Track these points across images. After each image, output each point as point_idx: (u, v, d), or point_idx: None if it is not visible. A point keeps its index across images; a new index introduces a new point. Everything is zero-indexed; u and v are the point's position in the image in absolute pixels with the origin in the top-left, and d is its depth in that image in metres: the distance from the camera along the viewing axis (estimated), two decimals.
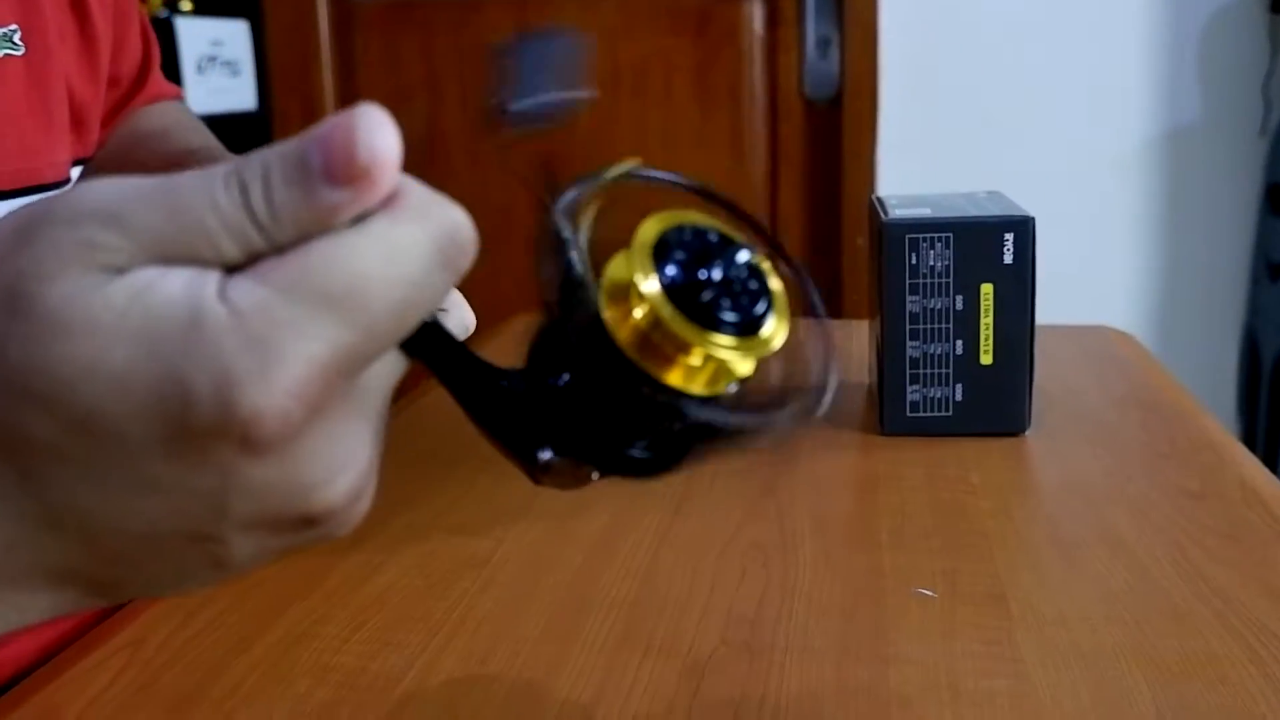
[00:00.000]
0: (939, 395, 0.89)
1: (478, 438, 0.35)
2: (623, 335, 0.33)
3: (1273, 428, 2.28)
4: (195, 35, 2.41)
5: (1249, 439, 2.32)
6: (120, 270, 0.29)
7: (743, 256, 0.34)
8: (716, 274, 0.33)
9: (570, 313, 0.33)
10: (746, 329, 0.33)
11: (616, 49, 2.46)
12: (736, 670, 0.57)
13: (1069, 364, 1.08)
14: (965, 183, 1.11)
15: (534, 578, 0.68)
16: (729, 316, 0.33)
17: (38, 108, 0.72)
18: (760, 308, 0.33)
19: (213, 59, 2.46)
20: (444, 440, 0.89)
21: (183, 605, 0.65)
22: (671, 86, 2.47)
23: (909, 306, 0.87)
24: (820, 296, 0.37)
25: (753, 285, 0.34)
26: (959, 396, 0.89)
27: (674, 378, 0.33)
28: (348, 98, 2.52)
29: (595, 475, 0.35)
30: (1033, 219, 0.86)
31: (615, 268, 0.34)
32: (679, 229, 0.34)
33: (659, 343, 0.32)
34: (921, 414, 0.89)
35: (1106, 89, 2.37)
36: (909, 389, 0.89)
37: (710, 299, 0.33)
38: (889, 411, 0.90)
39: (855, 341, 1.07)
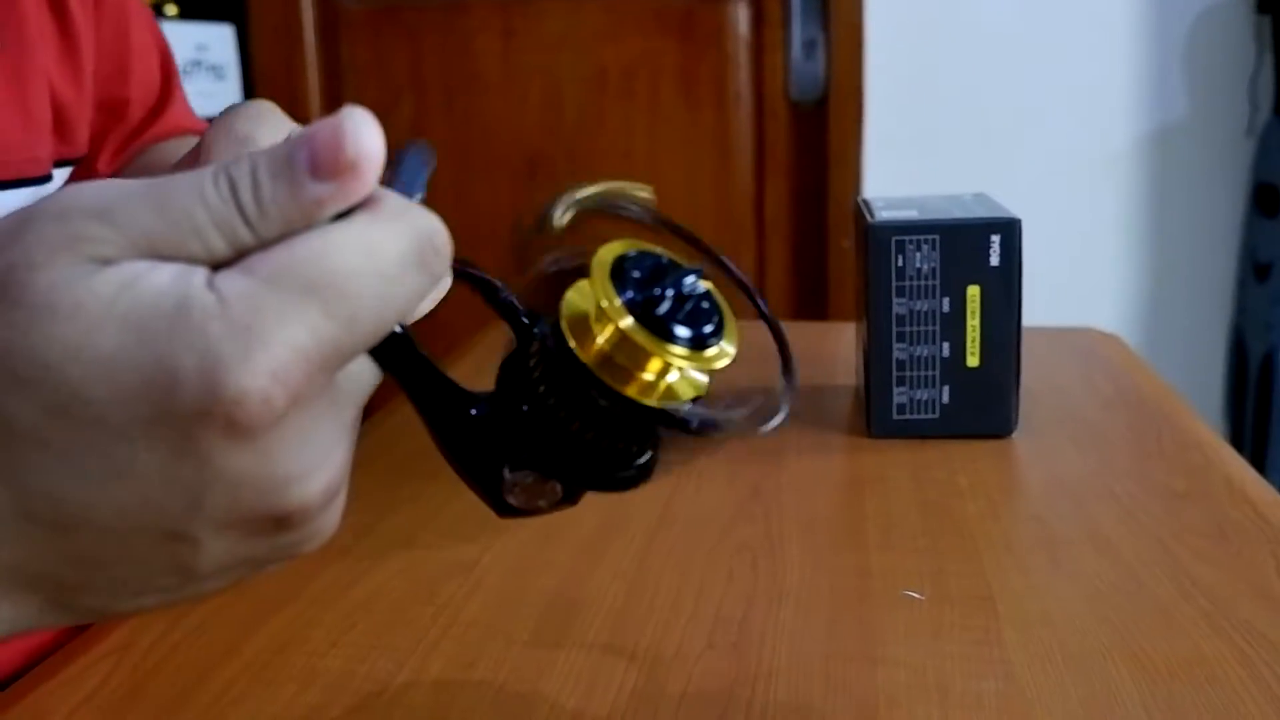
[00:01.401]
0: (926, 397, 0.89)
1: None
2: (588, 355, 0.35)
3: (1259, 427, 2.29)
4: (180, 39, 2.40)
5: (1236, 439, 2.33)
6: (109, 262, 0.30)
7: (691, 278, 0.35)
8: (670, 291, 0.35)
9: (536, 338, 0.36)
10: (697, 345, 0.35)
11: (602, 52, 2.46)
12: (724, 672, 0.57)
13: (1056, 365, 1.09)
14: (951, 184, 1.11)
15: (521, 581, 0.68)
16: (682, 331, 0.35)
17: (15, 104, 0.72)
18: (709, 327, 0.35)
19: (198, 63, 2.45)
20: (431, 445, 0.89)
21: (170, 609, 0.64)
22: (657, 89, 2.47)
23: (895, 309, 0.88)
24: (767, 307, 0.39)
25: (704, 305, 0.36)
26: (946, 398, 0.89)
27: (630, 391, 0.35)
28: (333, 102, 2.51)
29: (559, 491, 0.37)
30: (1019, 221, 0.86)
31: (574, 295, 0.36)
32: (633, 255, 0.36)
33: (622, 362, 0.35)
34: (908, 416, 0.89)
35: (1093, 90, 2.37)
36: (896, 391, 0.89)
37: (666, 312, 0.35)
38: (876, 414, 0.90)
39: (842, 344, 1.07)
